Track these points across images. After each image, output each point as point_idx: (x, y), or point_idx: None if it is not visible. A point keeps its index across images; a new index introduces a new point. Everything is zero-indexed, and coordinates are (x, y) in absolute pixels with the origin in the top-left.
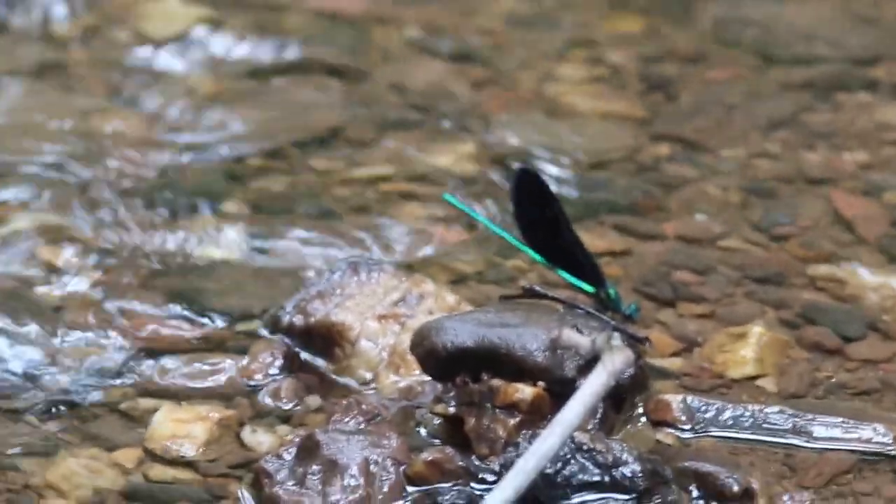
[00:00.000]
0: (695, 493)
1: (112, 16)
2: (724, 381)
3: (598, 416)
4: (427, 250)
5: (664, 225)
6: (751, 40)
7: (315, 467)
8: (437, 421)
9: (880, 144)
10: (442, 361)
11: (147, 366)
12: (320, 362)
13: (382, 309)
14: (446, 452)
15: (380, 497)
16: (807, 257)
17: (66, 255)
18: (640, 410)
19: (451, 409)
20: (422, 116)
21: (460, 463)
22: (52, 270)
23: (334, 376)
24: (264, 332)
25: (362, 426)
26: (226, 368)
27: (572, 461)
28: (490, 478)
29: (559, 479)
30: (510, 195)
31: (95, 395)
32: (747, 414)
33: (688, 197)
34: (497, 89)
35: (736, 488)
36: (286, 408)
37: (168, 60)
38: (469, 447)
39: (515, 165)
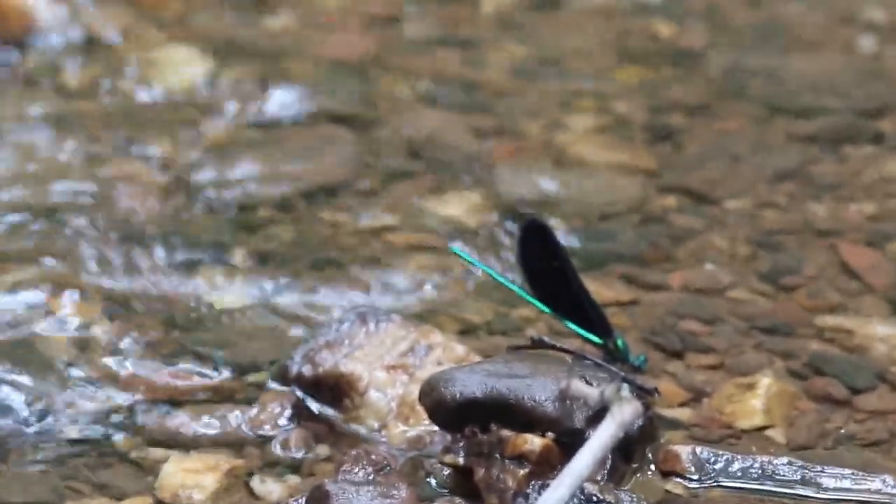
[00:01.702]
0: None
1: (120, 65)
2: (733, 431)
3: (608, 466)
4: (435, 301)
5: (671, 275)
6: (757, 91)
7: None
8: (446, 471)
9: (887, 196)
10: (451, 412)
11: (156, 416)
12: (329, 412)
13: (391, 359)
14: (456, 503)
15: None
16: (814, 308)
17: (75, 304)
18: (650, 461)
19: (461, 460)
20: (428, 166)
21: None
22: (61, 320)
23: (343, 426)
24: (273, 383)
25: (371, 476)
26: (235, 418)
27: None
28: None
29: None
30: (517, 246)
31: (104, 445)
32: (756, 465)
33: (695, 247)
34: (504, 139)
35: None
36: (295, 457)
37: (175, 109)
38: (479, 498)
39: (522, 215)
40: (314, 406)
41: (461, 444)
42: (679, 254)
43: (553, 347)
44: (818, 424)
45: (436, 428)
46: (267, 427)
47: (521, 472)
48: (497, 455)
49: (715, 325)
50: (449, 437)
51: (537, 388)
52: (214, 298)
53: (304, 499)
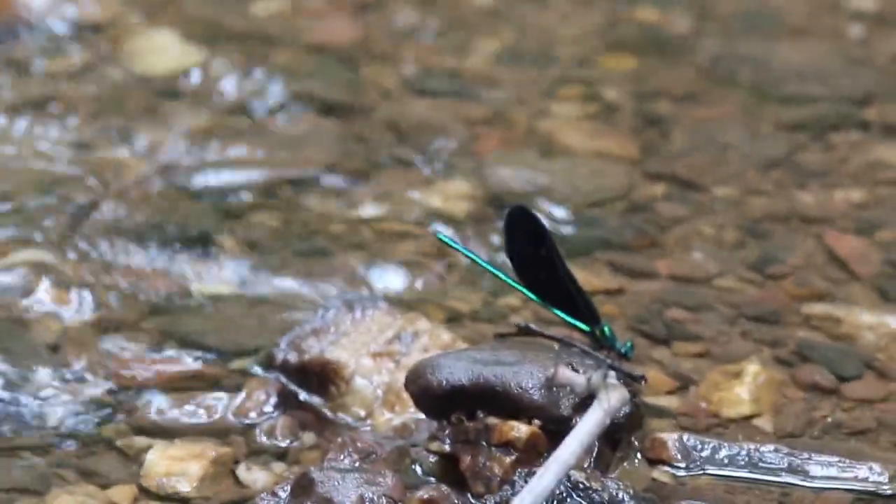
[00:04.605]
0: None
1: (105, 52)
2: (719, 419)
3: (594, 454)
4: (421, 288)
5: (658, 263)
6: (744, 79)
7: None
8: (432, 459)
9: (873, 183)
10: (437, 399)
11: (142, 403)
12: (315, 400)
13: (377, 346)
14: (442, 491)
15: None
16: (801, 296)
17: (60, 292)
18: (636, 448)
19: (447, 447)
20: (415, 154)
21: (456, 501)
22: (46, 307)
23: (329, 414)
24: (258, 370)
25: (357, 464)
26: (220, 406)
27: (568, 500)
28: None
29: None
30: (504, 233)
31: (90, 433)
32: (743, 453)
33: (682, 235)
34: (490, 127)
35: None
36: (281, 445)
37: (161, 97)
38: (465, 485)
39: (509, 203)
40: (300, 393)
41: (447, 431)
42: (666, 241)
43: (539, 334)
44: (805, 413)
45: (422, 415)
46: (252, 414)
47: (508, 459)
48: (483, 442)
49: (701, 312)
50: (435, 424)
51: (524, 375)
52: (200, 285)
53: (289, 486)
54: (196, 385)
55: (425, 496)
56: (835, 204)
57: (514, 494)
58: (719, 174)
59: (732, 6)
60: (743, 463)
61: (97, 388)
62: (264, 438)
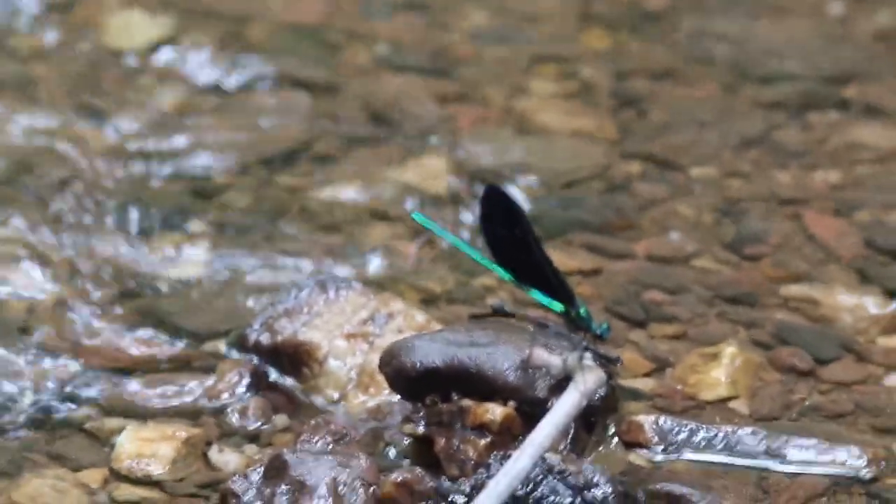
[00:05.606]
0: None
1: (76, 29)
2: (696, 402)
3: (570, 436)
4: (396, 269)
5: (635, 244)
6: (722, 57)
7: (283, 488)
8: (406, 441)
9: (852, 164)
10: (411, 381)
11: (113, 385)
12: (288, 381)
13: (351, 328)
14: (416, 473)
15: None
16: (779, 277)
17: (31, 272)
18: (612, 431)
19: (421, 430)
20: (390, 132)
21: (430, 484)
22: (17, 288)
23: (302, 396)
24: (231, 351)
25: (331, 446)
26: (192, 387)
27: (543, 483)
28: (460, 499)
29: (530, 501)
30: (479, 213)
31: (61, 415)
32: (720, 436)
33: (659, 216)
34: (466, 105)
35: None
36: (253, 427)
37: (132, 75)
38: (439, 468)
39: (484, 183)
40: (273, 375)
41: (421, 413)
42: (643, 222)
43: (514, 316)
44: (782, 395)
45: (396, 397)
46: (225, 396)
47: (482, 442)
48: (458, 425)
49: (679, 294)
50: (409, 406)
51: (499, 356)
52: (172, 266)
53: (262, 469)
54: (168, 367)
55: (399, 479)
56: (813, 184)
57: (488, 477)
58: (697, 154)
59: None
60: (720, 446)
61: (68, 370)
62: (236, 420)
